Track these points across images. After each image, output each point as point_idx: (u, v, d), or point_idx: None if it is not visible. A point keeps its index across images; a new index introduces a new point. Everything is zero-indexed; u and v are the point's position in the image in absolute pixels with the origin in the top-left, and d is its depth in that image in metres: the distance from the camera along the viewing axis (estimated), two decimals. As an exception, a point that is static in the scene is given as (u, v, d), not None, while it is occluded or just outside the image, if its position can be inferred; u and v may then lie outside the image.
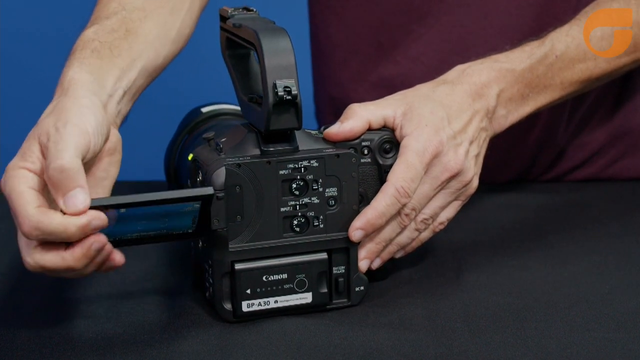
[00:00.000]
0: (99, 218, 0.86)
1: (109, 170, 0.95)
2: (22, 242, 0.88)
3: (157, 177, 1.26)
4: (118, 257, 0.89)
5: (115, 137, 0.96)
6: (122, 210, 0.87)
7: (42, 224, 0.85)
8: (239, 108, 1.15)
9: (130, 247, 0.92)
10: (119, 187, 1.02)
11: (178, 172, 1.14)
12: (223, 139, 0.97)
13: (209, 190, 0.90)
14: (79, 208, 0.85)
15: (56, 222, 0.85)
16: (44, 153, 0.88)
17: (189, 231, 0.92)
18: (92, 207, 0.86)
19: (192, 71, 2.02)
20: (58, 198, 0.86)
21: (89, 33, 1.01)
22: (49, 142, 0.88)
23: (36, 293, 1.03)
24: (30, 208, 0.86)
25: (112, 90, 0.98)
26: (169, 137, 1.18)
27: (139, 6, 1.06)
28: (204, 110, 1.17)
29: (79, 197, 0.85)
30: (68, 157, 0.86)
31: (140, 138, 1.95)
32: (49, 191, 0.88)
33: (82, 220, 0.85)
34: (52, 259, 0.87)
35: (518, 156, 1.31)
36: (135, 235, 0.90)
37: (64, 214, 0.85)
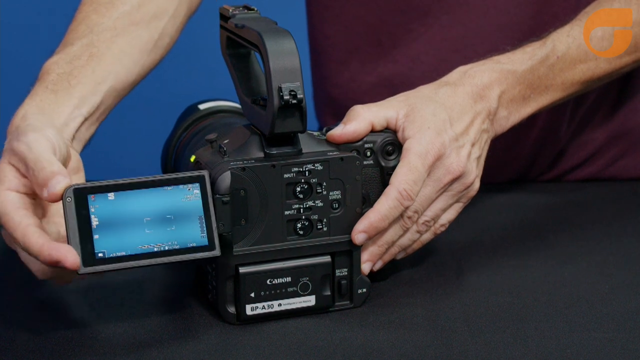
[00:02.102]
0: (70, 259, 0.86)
1: None
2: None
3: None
4: None
5: (76, 157, 0.98)
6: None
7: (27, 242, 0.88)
8: (236, 105, 1.14)
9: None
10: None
11: (177, 171, 1.13)
12: (226, 141, 0.96)
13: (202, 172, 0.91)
14: (57, 190, 0.87)
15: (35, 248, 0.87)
16: (19, 168, 0.91)
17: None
18: (93, 187, 0.88)
19: (188, 69, 2.01)
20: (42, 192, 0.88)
21: (49, 64, 1.03)
22: (20, 156, 0.90)
23: (36, 293, 1.03)
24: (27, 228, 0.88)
25: (66, 121, 1.00)
26: (166, 135, 1.17)
27: (109, 26, 1.07)
28: (202, 107, 1.15)
29: (60, 182, 0.87)
30: (48, 158, 0.89)
31: (137, 137, 1.94)
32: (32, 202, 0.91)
33: (53, 256, 0.86)
34: None
35: (518, 156, 1.31)
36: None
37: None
